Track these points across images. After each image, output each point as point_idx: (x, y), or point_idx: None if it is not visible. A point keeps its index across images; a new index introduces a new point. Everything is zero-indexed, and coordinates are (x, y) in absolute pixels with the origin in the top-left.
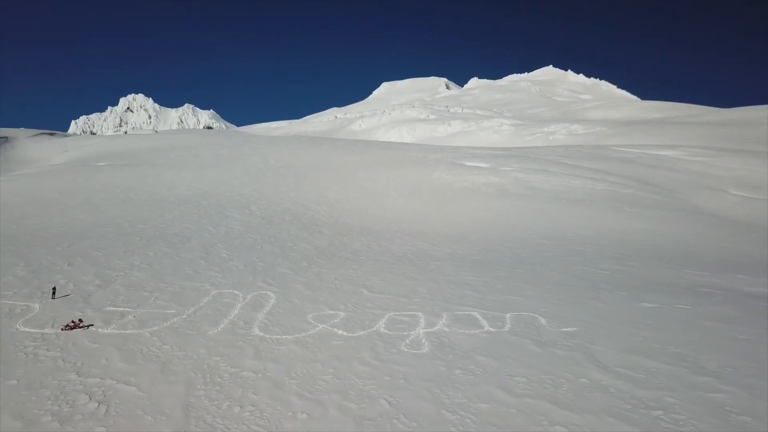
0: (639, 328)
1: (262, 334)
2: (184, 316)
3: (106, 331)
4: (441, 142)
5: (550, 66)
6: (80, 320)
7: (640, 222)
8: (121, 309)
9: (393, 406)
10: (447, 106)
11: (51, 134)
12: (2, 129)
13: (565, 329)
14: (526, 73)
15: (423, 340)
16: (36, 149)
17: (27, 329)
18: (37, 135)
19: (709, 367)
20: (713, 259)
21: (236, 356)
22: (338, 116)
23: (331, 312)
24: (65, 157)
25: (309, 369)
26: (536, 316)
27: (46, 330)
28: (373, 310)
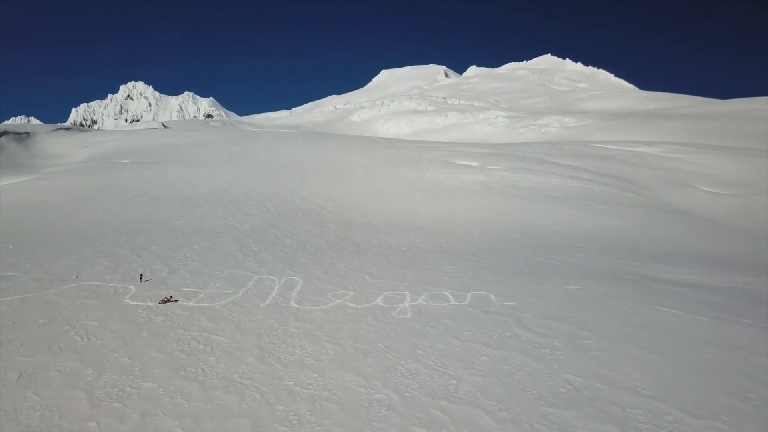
0: (557, 302)
1: (297, 306)
2: (239, 295)
3: (189, 304)
4: (438, 133)
5: (549, 54)
6: (171, 296)
7: (604, 218)
8: (193, 289)
9: (386, 347)
10: (444, 98)
11: (67, 129)
12: (23, 125)
13: (506, 303)
14: (524, 61)
15: (408, 310)
16: (57, 145)
17: (134, 303)
18: (55, 130)
19: (590, 326)
20: (652, 252)
21: (283, 320)
22: (338, 107)
23: (343, 291)
24: (86, 153)
25: (332, 327)
26: (489, 294)
27: (148, 303)
28: (373, 290)
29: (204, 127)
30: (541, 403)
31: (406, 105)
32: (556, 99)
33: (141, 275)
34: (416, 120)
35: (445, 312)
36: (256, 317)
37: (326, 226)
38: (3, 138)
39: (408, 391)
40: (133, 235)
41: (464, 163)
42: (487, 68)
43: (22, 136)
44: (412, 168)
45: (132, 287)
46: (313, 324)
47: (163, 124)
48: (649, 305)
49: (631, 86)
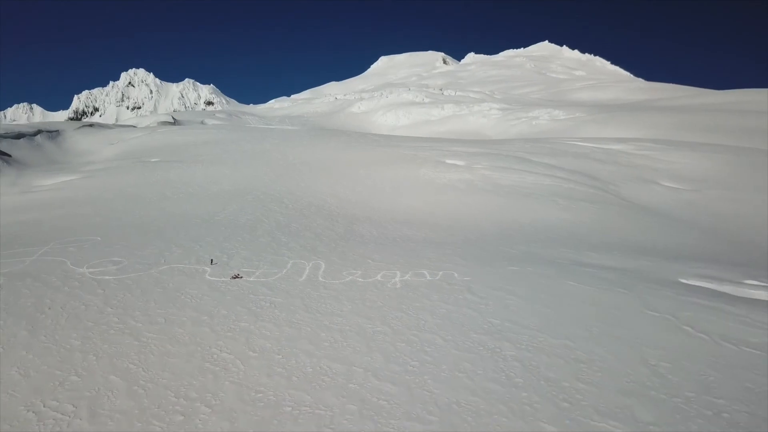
0: (500, 278)
1: (323, 280)
2: (282, 273)
3: (251, 279)
4: (435, 125)
5: (546, 41)
6: (238, 274)
7: (565, 213)
8: (250, 270)
9: (383, 304)
10: (441, 89)
11: (90, 125)
12: (53, 122)
13: (464, 278)
14: (522, 48)
15: (398, 283)
16: (85, 142)
17: (213, 278)
18: (81, 127)
19: (516, 293)
20: (593, 241)
21: (316, 289)
22: (338, 97)
23: (354, 271)
24: (113, 150)
25: (348, 293)
26: (454, 273)
27: (222, 279)
28: (375, 270)
29: (211, 120)
30: (471, 333)
31: (404, 97)
32: (549, 89)
33: (211, 260)
34: (413, 111)
35: (422, 284)
36: (297, 287)
37: (335, 221)
38: (38, 137)
39: (395, 326)
40: (187, 229)
41: (452, 162)
42: (485, 55)
43: (53, 134)
44: (407, 167)
45: (207, 268)
46: (335, 291)
47: (173, 117)
48: (562, 280)
49: (627, 74)
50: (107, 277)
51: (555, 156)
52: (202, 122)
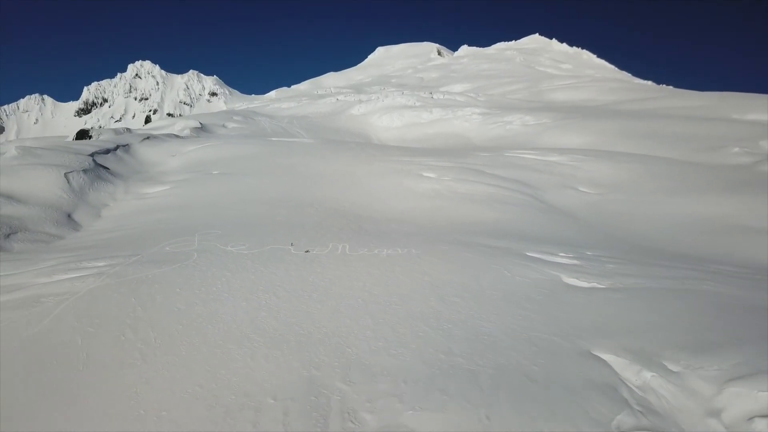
0: (434, 251)
1: (349, 254)
2: (328, 250)
3: (314, 252)
4: (425, 127)
5: (536, 34)
6: (308, 250)
7: (494, 213)
8: (312, 248)
9: (377, 264)
10: (431, 92)
11: (147, 138)
12: (122, 136)
13: (417, 252)
14: (513, 41)
15: (384, 255)
16: (150, 153)
17: (295, 252)
18: (143, 140)
19: (438, 257)
20: (501, 233)
21: (346, 257)
22: (339, 98)
23: (363, 248)
24: (177, 161)
25: (361, 259)
26: (412, 249)
27: (300, 252)
28: (374, 248)
29: (230, 123)
30: (413, 273)
31: (398, 101)
32: (532, 87)
33: (291, 243)
34: (406, 114)
35: (396, 255)
36: (338, 256)
37: (349, 220)
38: (118, 150)
39: (383, 271)
40: (264, 226)
41: (427, 175)
42: (478, 48)
43: (126, 147)
44: (395, 178)
45: (290, 248)
46: (355, 259)
47: (200, 122)
48: (463, 252)
49: (612, 67)
50: (244, 252)
51: (505, 168)
52: (223, 125)
